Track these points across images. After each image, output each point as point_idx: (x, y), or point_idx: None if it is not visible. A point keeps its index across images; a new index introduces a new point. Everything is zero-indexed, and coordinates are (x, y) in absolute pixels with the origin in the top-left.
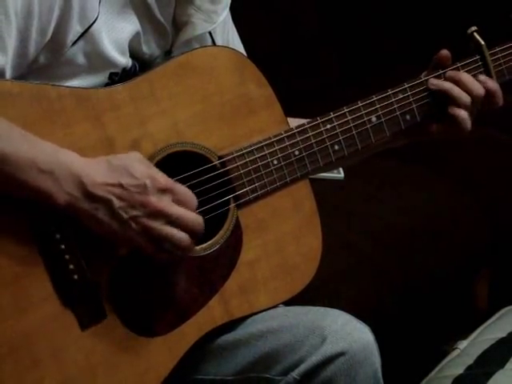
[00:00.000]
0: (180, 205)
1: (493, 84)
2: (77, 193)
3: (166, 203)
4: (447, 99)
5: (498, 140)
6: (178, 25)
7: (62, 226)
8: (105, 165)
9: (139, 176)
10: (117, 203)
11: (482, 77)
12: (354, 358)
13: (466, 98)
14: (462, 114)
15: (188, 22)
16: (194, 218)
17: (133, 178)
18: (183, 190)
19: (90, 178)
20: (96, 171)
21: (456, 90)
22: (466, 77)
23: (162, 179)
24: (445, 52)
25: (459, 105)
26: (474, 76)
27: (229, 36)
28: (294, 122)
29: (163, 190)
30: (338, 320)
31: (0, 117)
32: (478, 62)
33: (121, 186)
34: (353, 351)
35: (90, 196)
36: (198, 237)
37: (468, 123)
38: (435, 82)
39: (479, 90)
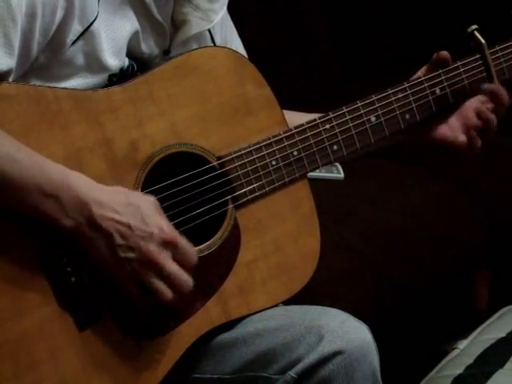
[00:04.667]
0: (178, 261)
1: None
2: (81, 218)
3: (164, 257)
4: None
5: (497, 141)
6: (176, 23)
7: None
8: (121, 199)
9: (150, 223)
10: (118, 240)
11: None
12: (351, 356)
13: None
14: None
15: (185, 21)
16: (185, 280)
17: (143, 223)
18: (186, 247)
19: (100, 209)
20: (109, 203)
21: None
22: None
23: (169, 232)
24: (444, 53)
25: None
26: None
27: (227, 34)
28: (304, 117)
29: (167, 243)
30: (335, 319)
31: (8, 136)
32: (478, 60)
33: (129, 226)
34: (350, 350)
35: (94, 225)
36: (182, 296)
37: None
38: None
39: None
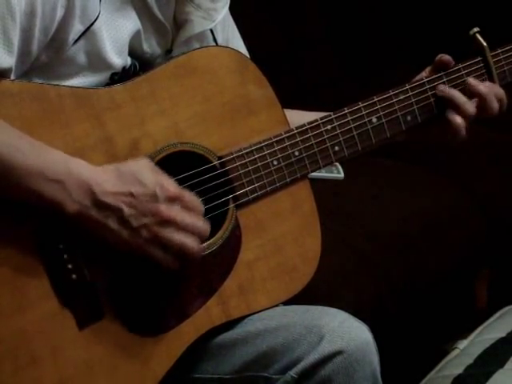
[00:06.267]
0: (188, 212)
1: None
2: (87, 201)
3: (175, 211)
4: (449, 103)
5: (497, 141)
6: (178, 23)
7: (61, 225)
8: (114, 173)
9: (149, 184)
10: (127, 211)
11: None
12: (351, 356)
13: (469, 109)
14: (460, 121)
15: (187, 20)
16: (202, 225)
17: (142, 186)
18: (191, 198)
19: (100, 187)
20: (106, 180)
21: (462, 99)
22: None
23: (171, 187)
24: (446, 58)
25: (459, 112)
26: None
27: (229, 34)
28: (304, 115)
29: (172, 199)
30: (335, 319)
31: (10, 126)
32: (479, 63)
33: (131, 194)
34: (351, 350)
35: (100, 205)
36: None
37: (463, 131)
38: (442, 89)
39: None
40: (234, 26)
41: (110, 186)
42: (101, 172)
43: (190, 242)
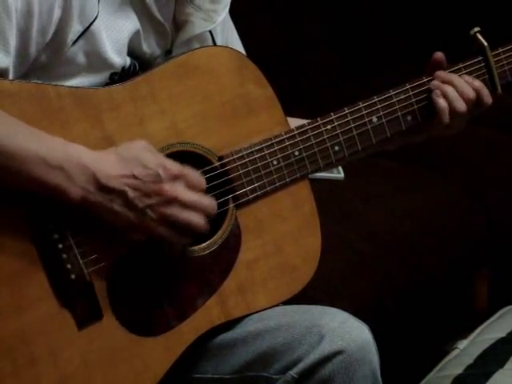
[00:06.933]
0: (192, 189)
1: (479, 84)
2: (90, 186)
3: (179, 190)
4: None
5: (497, 140)
6: (178, 24)
7: (60, 225)
8: (115, 157)
9: (151, 165)
10: (131, 193)
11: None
12: (352, 356)
13: (455, 100)
14: (444, 104)
15: (188, 21)
16: (208, 201)
17: (145, 168)
18: (194, 175)
19: (102, 172)
20: (108, 164)
21: (450, 90)
22: (457, 79)
23: (173, 166)
24: (438, 55)
25: (446, 97)
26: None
27: (228, 35)
28: (292, 122)
29: (176, 177)
30: (335, 318)
31: (7, 114)
32: (480, 63)
33: (134, 176)
34: (351, 350)
35: (105, 189)
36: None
37: (446, 116)
38: (436, 83)
39: (470, 92)
40: (233, 28)
41: (112, 169)
42: (102, 156)
43: (195, 217)
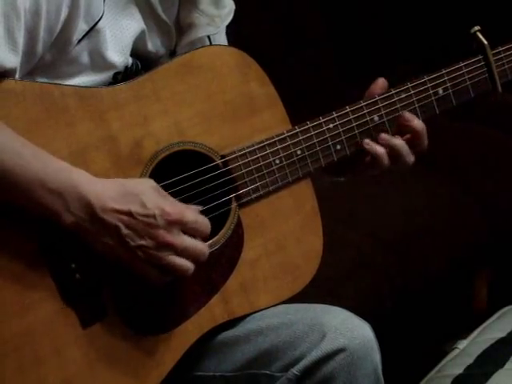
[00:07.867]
0: (190, 232)
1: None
2: (84, 215)
3: (174, 236)
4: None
5: (498, 140)
6: (182, 27)
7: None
8: (118, 189)
9: (150, 206)
10: (125, 230)
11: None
12: (353, 354)
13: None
14: (381, 150)
15: (192, 25)
16: (200, 249)
17: (143, 207)
18: (193, 218)
19: (100, 202)
20: (107, 194)
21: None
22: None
23: (172, 211)
24: (381, 81)
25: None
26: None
27: (221, 38)
28: None
29: (172, 223)
30: (337, 316)
31: (14, 133)
32: (480, 61)
33: (130, 214)
34: (353, 347)
35: (98, 220)
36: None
37: (385, 160)
38: (370, 143)
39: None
40: (224, 29)
41: (109, 202)
42: (105, 185)
43: (184, 264)
